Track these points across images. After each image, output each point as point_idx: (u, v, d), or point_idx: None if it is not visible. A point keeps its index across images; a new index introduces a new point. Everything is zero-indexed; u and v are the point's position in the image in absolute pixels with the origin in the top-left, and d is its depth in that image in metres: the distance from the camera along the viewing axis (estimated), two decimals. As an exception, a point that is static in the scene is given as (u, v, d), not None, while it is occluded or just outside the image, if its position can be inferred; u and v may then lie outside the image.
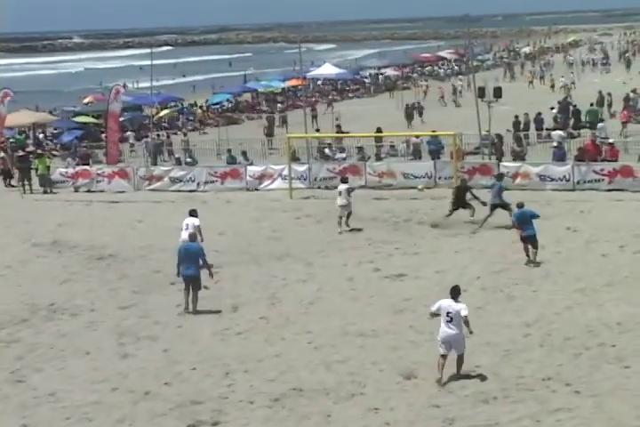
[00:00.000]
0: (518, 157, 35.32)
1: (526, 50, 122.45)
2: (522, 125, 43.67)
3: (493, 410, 14.14)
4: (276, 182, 35.30)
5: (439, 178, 33.01)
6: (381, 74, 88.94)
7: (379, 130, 41.45)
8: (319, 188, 34.62)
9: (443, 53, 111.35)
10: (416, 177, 33.47)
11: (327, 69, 72.71)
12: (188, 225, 23.09)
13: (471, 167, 33.48)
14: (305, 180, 35.07)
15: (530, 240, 22.48)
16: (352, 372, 16.00)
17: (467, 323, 15.41)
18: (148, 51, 44.05)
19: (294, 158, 36.07)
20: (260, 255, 24.86)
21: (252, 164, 37.04)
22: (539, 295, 19.71)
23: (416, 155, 38.86)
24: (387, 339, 17.60)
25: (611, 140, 34.41)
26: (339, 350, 17.16)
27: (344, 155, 38.49)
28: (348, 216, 27.61)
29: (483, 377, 15.44)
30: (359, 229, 27.39)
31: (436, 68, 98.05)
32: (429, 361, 16.08)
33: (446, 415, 14.01)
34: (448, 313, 15.41)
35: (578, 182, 31.69)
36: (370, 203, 31.49)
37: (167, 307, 20.41)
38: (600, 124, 31.86)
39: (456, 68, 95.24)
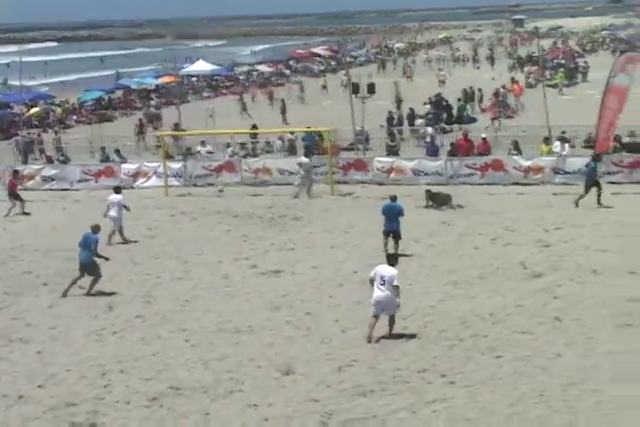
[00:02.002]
0: (392, 151, 35.81)
1: (399, 46, 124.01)
2: (395, 121, 44.24)
3: (371, 403, 14.28)
4: (152, 180, 35.00)
5: (316, 174, 33.23)
6: (255, 70, 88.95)
7: (254, 126, 41.48)
8: (194, 185, 34.45)
9: (317, 50, 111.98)
10: (292, 173, 33.61)
11: (201, 66, 72.37)
12: (113, 203, 25.28)
13: (346, 163, 33.87)
14: (180, 177, 34.86)
15: (392, 235, 22.81)
16: (230, 369, 15.95)
17: (397, 291, 16.60)
18: (22, 48, 43.14)
19: (168, 156, 35.79)
20: (135, 253, 24.60)
21: (126, 161, 36.62)
22: (414, 289, 19.99)
23: (291, 151, 39.01)
24: (263, 335, 17.60)
25: (483, 135, 35.15)
26: (216, 347, 17.09)
27: (208, 148, 38.22)
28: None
29: (359, 370, 15.59)
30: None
31: (309, 64, 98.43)
32: (306, 356, 16.19)
33: (324, 409, 14.09)
34: (382, 277, 16.62)
35: (451, 177, 32.33)
36: (245, 199, 31.52)
37: (39, 308, 20.00)
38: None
39: (333, 63, 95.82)
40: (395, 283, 16.63)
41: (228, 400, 14.66)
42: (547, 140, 33.46)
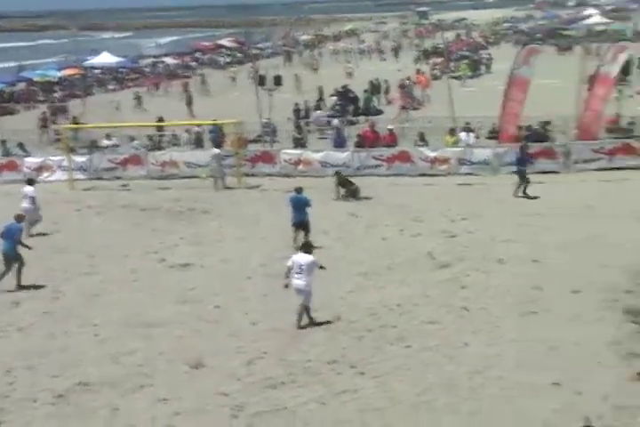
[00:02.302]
0: (299, 144, 35.85)
1: (305, 38, 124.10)
2: (302, 112, 44.29)
3: (281, 395, 14.34)
4: (56, 174, 34.46)
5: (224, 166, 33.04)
6: (161, 62, 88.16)
7: (160, 119, 41.11)
8: (100, 179, 34.04)
9: (222, 41, 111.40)
10: (199, 166, 33.41)
11: (105, 58, 71.32)
12: (26, 194, 25.68)
13: (254, 155, 33.82)
14: (85, 171, 34.41)
15: (300, 226, 22.89)
16: (139, 363, 15.86)
17: (321, 267, 17.53)
18: None
19: (70, 150, 35.24)
20: (41, 248, 24.19)
21: (29, 155, 35.99)
22: (323, 280, 20.05)
23: (198, 144, 38.77)
24: (173, 329, 17.53)
25: (390, 127, 35.38)
26: (125, 341, 16.96)
27: (114, 141, 37.84)
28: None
29: (269, 363, 15.63)
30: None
31: (215, 56, 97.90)
32: (216, 350, 16.17)
33: (234, 403, 14.11)
34: (300, 265, 17.10)
35: (358, 168, 32.48)
36: (153, 193, 31.25)
37: (-58, 306, 19.60)
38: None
39: (240, 55, 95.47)
40: (313, 269, 17.23)
41: (137, 395, 14.58)
42: (452, 132, 33.85)
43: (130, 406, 14.21)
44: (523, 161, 28.42)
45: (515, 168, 28.63)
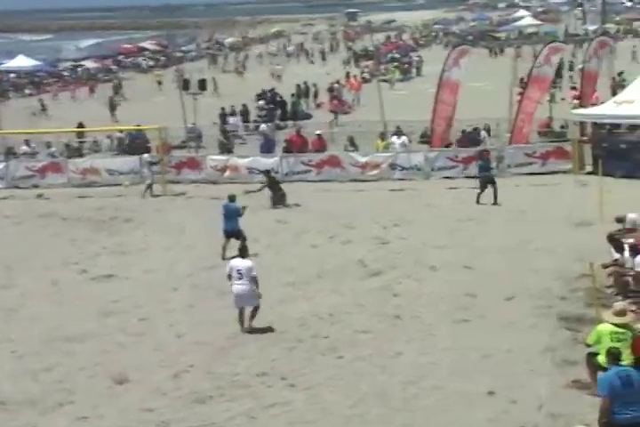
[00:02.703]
0: (225, 149, 35.77)
1: (230, 40, 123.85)
2: (228, 117, 44.17)
3: (208, 410, 14.23)
4: (-28, 183, 33.94)
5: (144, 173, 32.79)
6: (81, 66, 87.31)
7: (80, 125, 40.73)
8: (17, 187, 33.58)
9: (145, 44, 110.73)
10: (121, 173, 33.15)
11: (21, 62, 70.55)
12: None
13: (179, 161, 33.63)
14: (2, 179, 33.95)
15: (231, 235, 22.83)
16: (59, 380, 15.62)
17: (256, 282, 17.32)
18: None
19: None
20: (-45, 261, 23.82)
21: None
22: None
23: (120, 150, 38.47)
24: (95, 343, 17.31)
25: (318, 132, 35.44)
26: (44, 357, 16.70)
27: (32, 148, 37.42)
28: None
29: (196, 376, 15.52)
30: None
31: (139, 59, 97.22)
32: (141, 363, 16.01)
33: (160, 419, 13.96)
34: (238, 271, 17.28)
35: (287, 174, 32.49)
36: (74, 201, 30.93)
37: None
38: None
39: (163, 58, 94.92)
40: (253, 273, 17.31)
41: (57, 413, 14.35)
42: (382, 136, 34.06)
43: (49, 425, 13.98)
44: (487, 167, 28.42)
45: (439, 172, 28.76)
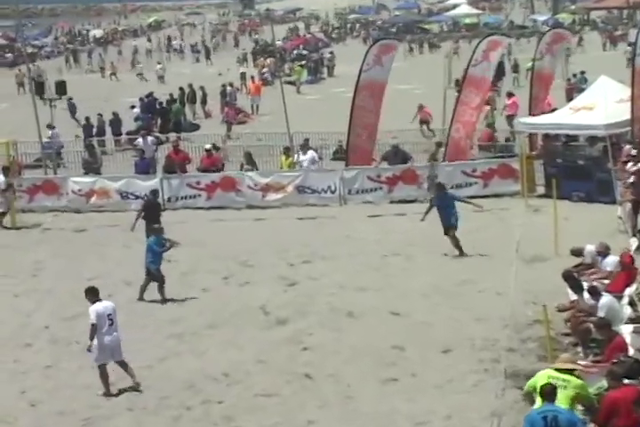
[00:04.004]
0: (91, 169, 35.40)
1: (96, 33, 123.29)
2: (95, 129, 43.89)
3: None
4: None
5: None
6: None
7: None
8: None
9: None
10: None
11: None
12: None
13: (32, 185, 33.14)
14: None
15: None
16: None
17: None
18: None
19: None
20: None
21: None
22: (122, 344, 19.86)
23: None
24: None
25: (207, 146, 35.16)
26: None
27: None
28: None
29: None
30: None
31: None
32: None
33: None
34: (109, 315, 17.42)
35: (169, 200, 32.26)
36: None
37: None
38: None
39: (9, 55, 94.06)
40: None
41: None
42: (287, 151, 34.10)
43: None
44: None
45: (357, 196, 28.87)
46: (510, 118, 39.86)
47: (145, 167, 34.54)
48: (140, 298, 22.86)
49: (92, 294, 17.83)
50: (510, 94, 43.50)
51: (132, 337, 20.17)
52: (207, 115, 52.06)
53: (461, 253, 25.48)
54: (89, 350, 17.44)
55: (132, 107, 48.42)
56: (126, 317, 21.37)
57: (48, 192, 33.08)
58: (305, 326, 20.89)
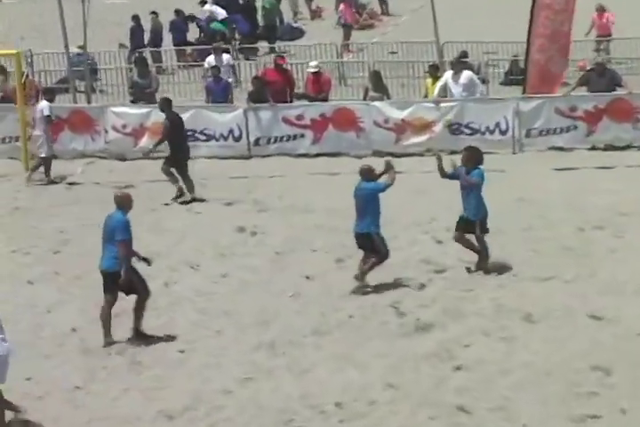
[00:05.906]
0: (143, 96, 35.72)
1: None
2: (148, 36, 44.43)
3: None
4: None
5: None
6: None
7: None
8: None
9: None
10: None
11: None
12: None
13: (55, 118, 33.38)
14: None
15: None
16: None
17: None
18: None
19: None
20: None
21: None
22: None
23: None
24: None
25: (313, 64, 35.19)
26: None
27: None
28: None
29: None
30: None
31: None
32: None
33: None
34: None
35: (256, 142, 32.86)
36: None
37: None
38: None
39: None
40: None
41: None
42: (435, 71, 34.13)
43: None
44: None
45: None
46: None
47: (222, 93, 34.61)
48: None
49: None
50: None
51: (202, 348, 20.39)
52: (315, 14, 52.08)
53: None
54: None
55: (203, 2, 48.09)
56: (190, 317, 21.63)
57: (78, 130, 33.41)
58: (458, 333, 20.85)
